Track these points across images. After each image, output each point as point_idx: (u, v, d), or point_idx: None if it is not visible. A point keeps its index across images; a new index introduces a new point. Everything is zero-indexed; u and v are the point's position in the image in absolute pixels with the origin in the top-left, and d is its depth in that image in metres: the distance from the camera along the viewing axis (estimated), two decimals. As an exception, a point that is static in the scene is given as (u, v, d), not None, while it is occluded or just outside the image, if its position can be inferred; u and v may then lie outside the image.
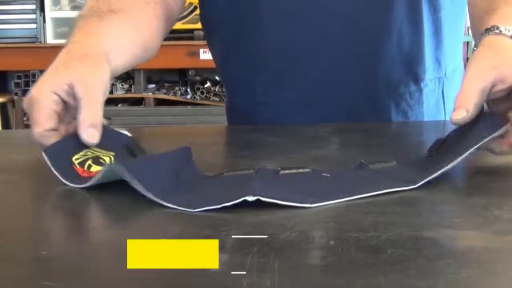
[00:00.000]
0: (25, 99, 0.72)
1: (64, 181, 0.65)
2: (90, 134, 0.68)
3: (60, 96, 0.70)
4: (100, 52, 0.76)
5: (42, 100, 0.69)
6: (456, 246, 0.46)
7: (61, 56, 0.75)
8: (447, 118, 1.04)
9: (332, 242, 0.46)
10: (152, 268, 0.42)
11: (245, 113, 1.06)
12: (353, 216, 0.52)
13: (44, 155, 0.67)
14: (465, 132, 0.66)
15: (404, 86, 0.99)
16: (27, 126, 3.25)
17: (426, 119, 1.02)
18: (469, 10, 0.91)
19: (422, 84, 1.00)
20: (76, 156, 0.67)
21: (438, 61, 1.02)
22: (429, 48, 0.99)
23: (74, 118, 0.70)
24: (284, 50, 0.98)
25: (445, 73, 1.03)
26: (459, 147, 0.64)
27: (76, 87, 0.69)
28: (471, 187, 0.62)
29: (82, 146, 0.68)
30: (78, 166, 0.66)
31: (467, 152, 0.62)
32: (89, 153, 0.67)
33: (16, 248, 0.48)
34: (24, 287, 0.41)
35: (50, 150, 0.67)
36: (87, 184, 0.63)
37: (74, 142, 0.68)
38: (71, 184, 0.64)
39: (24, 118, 3.27)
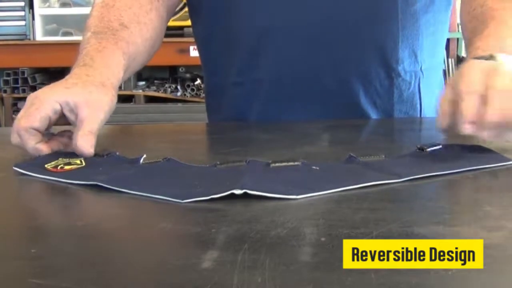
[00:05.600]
0: (31, 95, 0.77)
1: (37, 175, 0.67)
2: (87, 139, 0.73)
3: (62, 109, 0.75)
4: (114, 84, 0.82)
5: (45, 103, 0.75)
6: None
7: (80, 72, 0.81)
8: (424, 116, 1.04)
9: (323, 239, 0.46)
10: (145, 266, 0.42)
11: (222, 94, 1.07)
12: (344, 213, 0.52)
13: (15, 168, 0.70)
14: (466, 152, 0.70)
15: (374, 72, 0.99)
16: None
17: (396, 112, 1.02)
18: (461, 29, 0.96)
19: (393, 74, 1.00)
20: (47, 164, 0.70)
21: (414, 54, 1.02)
22: (405, 39, 0.99)
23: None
24: (258, 29, 0.99)
25: (420, 68, 1.03)
26: (458, 160, 0.67)
27: (82, 109, 0.75)
28: (461, 183, 0.62)
29: (53, 158, 0.71)
30: (51, 168, 0.69)
31: (465, 168, 0.65)
32: (60, 161, 0.70)
33: (5, 246, 0.48)
34: (13, 285, 0.40)
35: (22, 164, 0.71)
36: (65, 180, 0.65)
37: (45, 157, 0.73)
38: (44, 176, 0.67)
39: (14, 116, 3.26)
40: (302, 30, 0.98)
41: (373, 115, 1.01)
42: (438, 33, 1.06)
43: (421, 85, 1.04)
